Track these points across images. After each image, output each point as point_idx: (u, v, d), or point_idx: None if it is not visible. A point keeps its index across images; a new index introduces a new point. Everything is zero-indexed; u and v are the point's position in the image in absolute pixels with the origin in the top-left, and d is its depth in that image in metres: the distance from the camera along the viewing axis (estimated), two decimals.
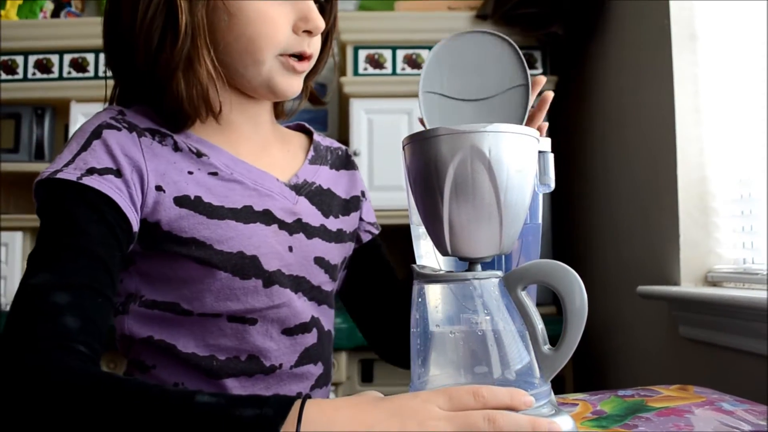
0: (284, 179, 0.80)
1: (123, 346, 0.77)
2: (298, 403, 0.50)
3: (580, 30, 1.92)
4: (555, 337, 0.56)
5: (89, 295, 0.62)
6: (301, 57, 0.76)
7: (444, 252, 0.58)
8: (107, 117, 0.72)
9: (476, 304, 0.56)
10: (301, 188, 0.81)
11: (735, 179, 1.37)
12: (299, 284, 0.79)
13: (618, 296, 1.72)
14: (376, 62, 2.03)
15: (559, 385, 1.46)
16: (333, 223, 0.84)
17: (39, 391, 0.52)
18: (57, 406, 0.51)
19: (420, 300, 0.58)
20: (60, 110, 2.18)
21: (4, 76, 2.12)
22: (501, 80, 0.65)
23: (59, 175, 0.66)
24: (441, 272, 0.59)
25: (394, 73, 2.02)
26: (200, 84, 0.71)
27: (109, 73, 0.79)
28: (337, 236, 0.84)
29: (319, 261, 0.81)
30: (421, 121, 0.67)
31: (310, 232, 0.80)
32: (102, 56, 0.85)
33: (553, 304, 1.76)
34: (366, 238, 0.92)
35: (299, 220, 0.79)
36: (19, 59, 2.13)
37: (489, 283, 0.56)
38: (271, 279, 0.75)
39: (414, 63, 2.02)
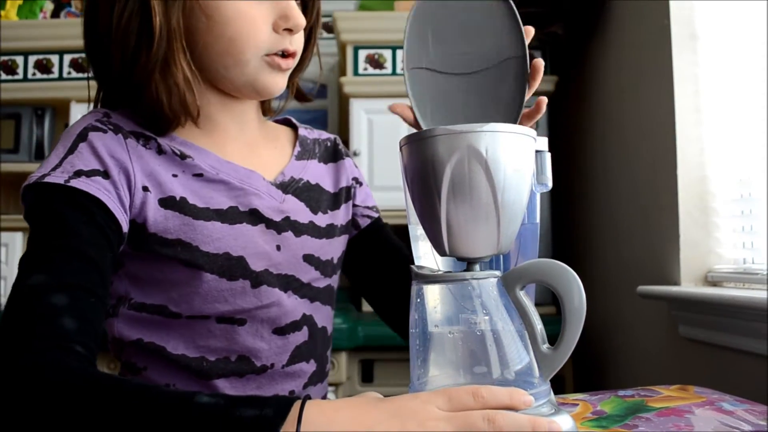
0: (271, 177, 0.80)
1: (114, 348, 0.77)
2: (298, 404, 0.49)
3: (580, 30, 1.92)
4: (554, 336, 0.56)
5: (84, 296, 0.62)
6: (284, 54, 0.75)
7: (442, 252, 0.58)
8: (92, 120, 0.72)
9: (475, 304, 0.56)
10: (287, 186, 0.81)
11: (735, 179, 1.37)
12: (288, 283, 0.78)
13: (618, 296, 1.72)
14: (376, 62, 2.03)
15: (559, 385, 1.46)
16: (322, 219, 0.83)
17: (38, 391, 0.52)
18: (57, 407, 0.51)
19: (419, 300, 0.58)
20: (60, 110, 2.18)
21: (4, 77, 2.12)
22: (494, 49, 0.62)
23: (47, 179, 0.66)
24: (439, 272, 0.59)
25: (394, 73, 2.02)
26: (177, 88, 0.71)
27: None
28: (327, 232, 0.84)
29: (309, 258, 0.80)
30: (410, 109, 0.66)
31: (298, 229, 0.80)
32: None
33: (552, 303, 1.76)
34: (364, 223, 0.92)
35: (287, 218, 0.79)
36: (19, 59, 2.13)
37: (487, 283, 0.56)
38: (258, 279, 0.75)
39: None
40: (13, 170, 2.05)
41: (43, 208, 0.66)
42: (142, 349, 0.74)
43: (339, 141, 0.94)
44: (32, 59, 2.13)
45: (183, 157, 0.74)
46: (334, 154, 0.91)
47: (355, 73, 2.03)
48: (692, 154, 1.42)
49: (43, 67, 2.13)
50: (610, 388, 0.79)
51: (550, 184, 0.61)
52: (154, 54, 0.69)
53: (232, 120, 0.80)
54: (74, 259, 0.63)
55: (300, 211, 0.81)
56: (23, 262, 0.63)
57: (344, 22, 2.03)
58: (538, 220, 0.65)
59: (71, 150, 0.69)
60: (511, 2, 0.62)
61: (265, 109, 0.87)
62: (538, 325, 0.57)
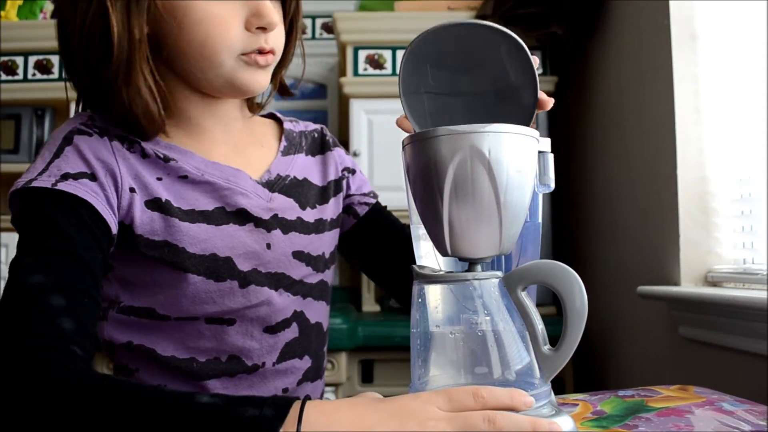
0: (258, 176, 0.79)
1: (107, 350, 0.77)
2: (297, 404, 0.49)
3: (580, 30, 1.92)
4: (555, 337, 0.56)
5: (79, 298, 0.62)
6: (261, 52, 0.73)
7: (444, 252, 0.58)
8: (77, 123, 0.72)
9: (476, 305, 0.56)
10: (274, 184, 0.80)
11: (735, 179, 1.37)
12: (279, 281, 0.78)
13: (618, 296, 1.72)
14: (376, 63, 2.03)
15: (559, 386, 1.46)
16: (310, 214, 0.83)
17: (39, 392, 0.52)
18: (58, 407, 0.51)
19: (420, 300, 0.58)
20: (60, 111, 2.18)
21: (4, 77, 2.12)
22: (499, 75, 0.61)
23: (34, 184, 0.66)
24: (441, 273, 0.59)
25: (394, 73, 2.02)
26: (140, 98, 0.69)
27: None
28: (316, 227, 0.83)
29: (299, 255, 0.80)
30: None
31: (286, 226, 0.79)
32: None
33: (553, 304, 1.76)
34: (363, 210, 0.91)
35: (275, 215, 0.78)
36: (19, 60, 2.13)
37: (489, 283, 0.56)
38: (246, 279, 0.75)
39: None
40: (13, 170, 2.05)
41: (32, 212, 0.66)
42: (133, 352, 0.75)
43: (326, 131, 0.93)
44: (32, 60, 2.13)
45: (166, 160, 0.73)
46: (321, 146, 0.90)
47: (355, 73, 2.03)
48: (692, 154, 1.42)
49: (43, 67, 2.13)
50: (610, 389, 0.79)
51: (552, 185, 0.61)
52: (115, 64, 0.68)
53: (216, 121, 0.79)
54: (67, 261, 0.63)
55: (288, 209, 0.80)
56: (16, 266, 0.63)
57: (344, 22, 2.03)
58: (540, 220, 0.65)
59: (57, 154, 0.69)
60: (519, 39, 0.60)
61: (250, 105, 0.85)
62: (540, 326, 0.57)
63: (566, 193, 2.05)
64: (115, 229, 0.70)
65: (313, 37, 2.46)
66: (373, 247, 0.91)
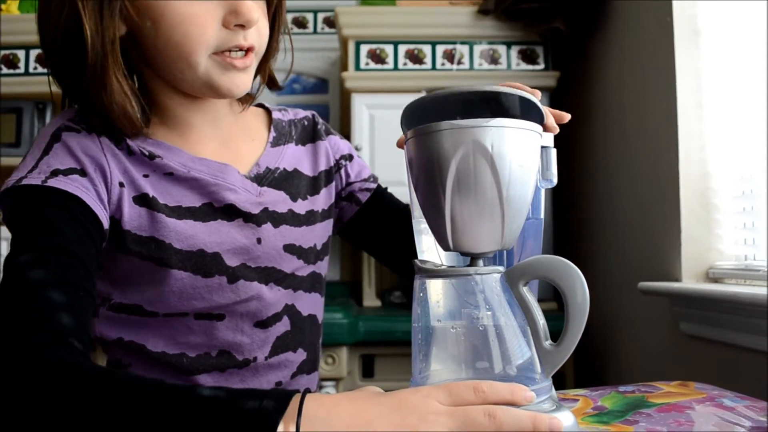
0: (247, 170, 0.79)
1: (100, 345, 0.77)
2: (297, 397, 0.49)
3: (583, 25, 1.92)
4: (556, 332, 0.56)
5: (75, 292, 0.62)
6: (240, 48, 0.71)
7: (446, 247, 0.58)
8: (65, 120, 0.72)
9: (478, 300, 0.56)
10: (263, 178, 0.79)
11: (737, 176, 1.37)
12: (269, 275, 0.78)
13: (619, 292, 1.72)
14: (377, 57, 2.03)
15: (559, 381, 1.47)
16: (301, 206, 0.82)
17: (41, 385, 0.52)
18: (58, 400, 0.51)
19: (421, 295, 0.58)
20: (61, 105, 2.18)
21: (5, 71, 2.11)
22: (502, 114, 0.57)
23: (24, 182, 0.66)
24: (443, 267, 0.59)
25: (395, 68, 2.01)
26: (117, 101, 0.68)
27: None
28: (307, 219, 0.82)
29: (290, 248, 0.80)
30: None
31: (277, 219, 0.79)
32: None
33: (554, 299, 1.76)
34: (365, 197, 0.90)
35: (266, 209, 0.78)
36: (21, 53, 2.12)
37: (491, 278, 0.56)
38: (235, 274, 0.75)
39: (416, 58, 2.02)
40: (14, 164, 2.04)
41: (24, 210, 0.66)
42: (124, 348, 0.75)
43: (318, 118, 0.91)
44: (33, 53, 2.12)
45: (152, 157, 0.73)
46: (312, 134, 0.88)
47: (357, 68, 2.02)
48: (694, 150, 1.41)
49: (44, 61, 2.13)
50: (611, 384, 0.79)
51: (555, 180, 0.61)
52: (90, 66, 0.67)
53: (204, 118, 0.78)
54: (61, 256, 0.63)
55: (279, 201, 0.79)
56: (11, 263, 0.63)
57: (346, 16, 2.02)
58: (542, 215, 0.65)
59: (46, 151, 0.69)
60: (535, 100, 0.58)
61: (240, 98, 0.83)
62: (541, 321, 0.57)
63: (568, 189, 2.05)
64: (106, 224, 0.70)
65: (315, 32, 2.45)
66: (378, 231, 0.91)
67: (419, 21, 2.02)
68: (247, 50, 0.71)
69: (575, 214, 2.04)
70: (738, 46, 1.38)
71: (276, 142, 0.83)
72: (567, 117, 0.67)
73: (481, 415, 0.49)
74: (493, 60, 2.01)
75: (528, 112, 0.57)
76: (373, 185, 0.91)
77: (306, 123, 0.89)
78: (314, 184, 0.85)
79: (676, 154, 1.41)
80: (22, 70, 2.12)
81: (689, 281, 1.39)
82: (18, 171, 0.68)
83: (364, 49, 2.03)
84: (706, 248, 1.40)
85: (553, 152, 0.61)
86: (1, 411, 0.51)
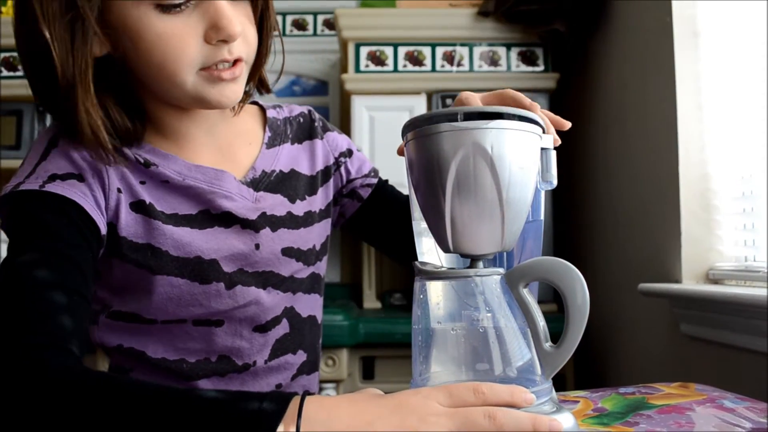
0: (243, 175, 0.77)
1: (102, 350, 0.77)
2: (297, 399, 0.49)
3: (582, 26, 1.92)
4: (556, 334, 0.56)
5: (71, 296, 0.62)
6: (226, 62, 0.68)
7: (446, 249, 0.58)
8: (61, 127, 0.71)
9: (478, 301, 0.56)
10: (259, 182, 0.78)
11: (737, 176, 1.37)
12: (267, 279, 0.77)
13: (619, 294, 1.72)
14: (377, 59, 2.03)
15: (560, 383, 1.47)
16: (300, 207, 0.81)
17: (39, 389, 0.51)
18: (59, 404, 0.50)
19: (421, 297, 0.58)
20: None
21: (5, 73, 2.11)
22: None
23: (22, 187, 0.66)
24: (443, 269, 0.59)
25: (395, 70, 2.02)
26: (84, 133, 0.66)
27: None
28: (305, 220, 0.82)
29: (288, 251, 0.79)
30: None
31: (275, 224, 0.78)
32: None
33: (554, 301, 1.76)
34: (366, 193, 0.89)
35: (263, 214, 0.77)
36: None
37: (491, 280, 0.56)
38: (232, 280, 0.74)
39: (416, 60, 2.02)
40: (14, 167, 2.04)
41: (21, 215, 0.66)
42: (124, 354, 0.75)
43: (314, 115, 0.88)
44: None
45: (147, 165, 0.72)
46: (309, 131, 0.86)
47: (357, 70, 2.03)
48: (694, 151, 1.41)
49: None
50: (611, 386, 0.79)
51: (554, 182, 0.61)
52: (62, 89, 0.65)
53: (198, 128, 0.76)
54: (59, 260, 0.63)
55: (276, 205, 0.79)
56: (8, 266, 0.62)
57: (346, 19, 2.02)
58: (542, 217, 0.65)
59: (44, 156, 0.69)
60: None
61: None
62: (541, 323, 0.57)
63: (568, 190, 2.05)
64: (104, 230, 0.69)
65: (315, 34, 2.45)
66: (381, 225, 0.90)
67: (419, 23, 2.02)
68: (235, 61, 0.69)
69: (575, 215, 2.04)
70: (738, 47, 1.38)
71: (271, 143, 0.82)
72: (567, 124, 0.67)
73: (481, 416, 0.49)
74: (493, 62, 2.01)
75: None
76: (374, 180, 0.90)
77: (302, 120, 0.87)
78: (312, 184, 0.84)
79: (676, 155, 1.41)
80: (22, 72, 2.12)
81: (689, 282, 1.39)
82: (16, 177, 0.68)
83: (364, 51, 2.03)
84: (707, 249, 1.40)
85: (553, 154, 0.61)
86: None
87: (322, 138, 0.87)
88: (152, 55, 0.66)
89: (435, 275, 0.58)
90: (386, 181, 0.92)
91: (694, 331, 1.36)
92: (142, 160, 0.72)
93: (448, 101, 1.95)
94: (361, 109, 2.00)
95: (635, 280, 1.52)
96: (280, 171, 0.81)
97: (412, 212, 0.65)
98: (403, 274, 2.14)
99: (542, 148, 0.60)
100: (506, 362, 0.55)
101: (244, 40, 0.69)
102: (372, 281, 2.11)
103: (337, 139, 0.89)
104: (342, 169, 0.88)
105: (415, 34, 2.02)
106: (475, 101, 0.65)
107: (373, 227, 0.91)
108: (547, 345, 0.57)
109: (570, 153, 2.04)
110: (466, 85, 1.96)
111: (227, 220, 0.75)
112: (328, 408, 0.50)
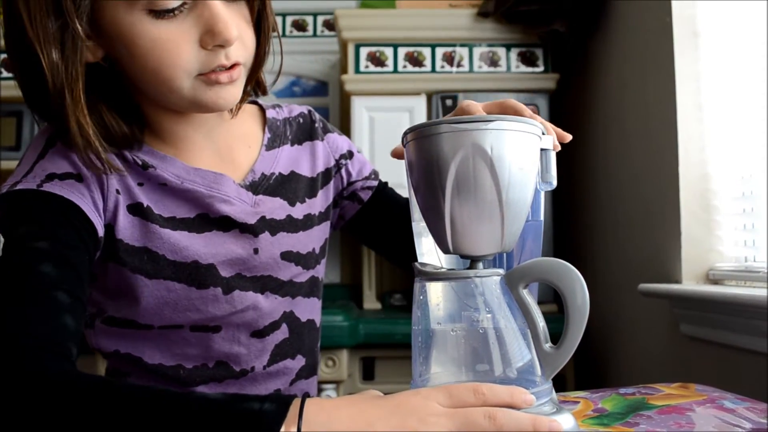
0: (242, 178, 0.76)
1: (100, 356, 0.77)
2: (297, 401, 0.49)
3: (582, 27, 1.92)
4: (556, 335, 0.56)
5: (67, 296, 0.61)
6: (223, 67, 0.67)
7: (446, 250, 0.58)
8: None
9: (478, 302, 0.56)
10: (258, 186, 0.77)
11: (737, 177, 1.37)
12: (265, 284, 0.77)
13: (619, 294, 1.72)
14: (377, 60, 2.03)
15: (560, 383, 1.47)
16: (299, 210, 0.80)
17: (39, 391, 0.51)
18: (59, 406, 0.50)
19: (421, 298, 0.58)
20: None
21: (5, 74, 2.11)
22: None
23: (19, 186, 0.65)
24: (442, 270, 0.59)
25: (395, 70, 2.02)
26: (75, 144, 0.65)
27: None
28: (305, 223, 0.81)
29: (288, 255, 0.78)
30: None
31: (274, 227, 0.77)
32: None
33: (554, 302, 1.76)
34: (367, 195, 0.88)
35: (263, 218, 0.76)
36: None
37: (490, 281, 0.56)
38: (230, 285, 0.74)
39: (416, 61, 2.02)
40: (14, 168, 2.04)
41: (19, 214, 0.64)
42: (121, 359, 0.75)
43: (314, 115, 0.87)
44: None
45: (145, 167, 0.71)
46: (309, 132, 0.85)
47: (357, 70, 2.03)
48: (694, 151, 1.41)
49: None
50: (611, 386, 0.78)
51: (554, 183, 0.61)
52: (53, 98, 0.64)
53: (196, 131, 0.75)
54: (53, 262, 0.62)
55: (276, 208, 0.78)
56: (6, 263, 0.61)
57: (346, 19, 2.02)
58: (542, 217, 0.65)
59: (42, 155, 0.68)
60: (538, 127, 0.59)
61: None
62: (541, 324, 0.57)
63: (568, 191, 2.05)
64: (101, 232, 0.68)
65: (315, 35, 2.45)
66: (380, 228, 0.90)
67: (419, 23, 2.02)
68: (233, 65, 0.67)
69: (575, 216, 2.04)
70: (738, 47, 1.38)
71: (271, 145, 0.81)
72: (568, 137, 0.66)
73: (481, 416, 0.49)
74: (493, 62, 2.01)
75: None
76: (375, 182, 0.90)
77: (302, 120, 0.86)
78: (312, 186, 0.83)
79: (676, 156, 1.41)
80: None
81: (689, 283, 1.39)
82: (13, 176, 0.67)
83: (364, 51, 2.03)
84: (707, 250, 1.40)
85: (553, 154, 0.61)
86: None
87: (322, 139, 0.86)
88: (147, 61, 0.64)
89: (435, 276, 0.58)
90: (386, 183, 0.92)
91: (694, 331, 1.36)
92: (140, 162, 0.72)
93: (448, 102, 1.95)
94: (360, 109, 2.00)
95: (635, 280, 1.52)
96: (280, 173, 0.80)
97: (412, 213, 0.65)
98: (403, 275, 2.14)
99: (542, 149, 0.60)
100: (506, 363, 0.55)
101: (242, 44, 0.68)
102: (372, 282, 2.11)
103: (338, 141, 0.88)
104: (343, 171, 0.87)
105: (414, 35, 2.02)
106: (477, 110, 0.65)
107: (372, 230, 0.91)
108: (547, 346, 0.57)
109: (570, 153, 2.03)
110: (466, 86, 1.96)
111: (226, 224, 0.74)
112: (328, 410, 0.49)
